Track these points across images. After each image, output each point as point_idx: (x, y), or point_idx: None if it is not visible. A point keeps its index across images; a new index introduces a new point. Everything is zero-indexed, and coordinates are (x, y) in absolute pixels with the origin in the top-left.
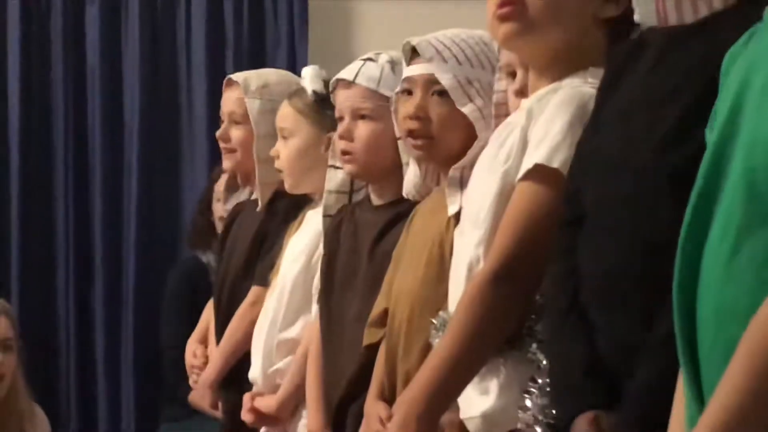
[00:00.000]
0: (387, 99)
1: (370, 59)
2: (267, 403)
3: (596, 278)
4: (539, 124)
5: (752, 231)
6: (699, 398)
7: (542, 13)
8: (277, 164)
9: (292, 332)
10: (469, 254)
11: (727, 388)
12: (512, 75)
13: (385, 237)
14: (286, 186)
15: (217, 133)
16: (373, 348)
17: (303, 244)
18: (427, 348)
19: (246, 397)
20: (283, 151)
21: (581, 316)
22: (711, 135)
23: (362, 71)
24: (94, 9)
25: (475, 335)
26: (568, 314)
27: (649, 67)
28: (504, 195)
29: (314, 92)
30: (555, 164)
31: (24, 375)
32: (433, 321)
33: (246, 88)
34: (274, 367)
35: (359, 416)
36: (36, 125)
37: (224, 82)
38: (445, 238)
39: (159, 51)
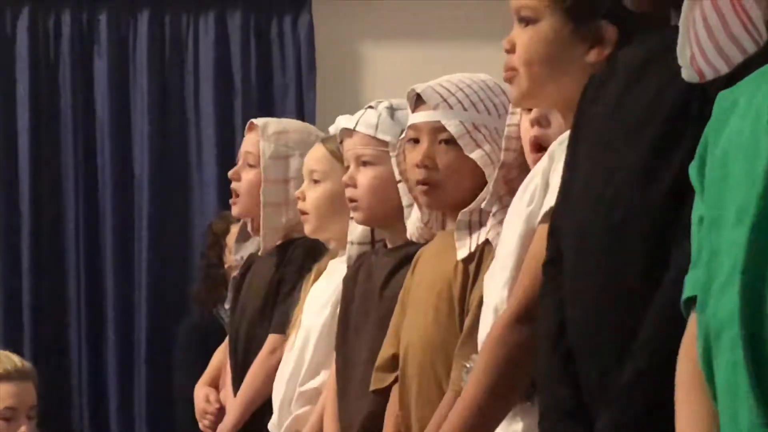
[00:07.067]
0: (386, 144)
1: (370, 107)
2: None
3: (576, 322)
4: (559, 167)
5: None
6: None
7: (530, 80)
8: (301, 206)
9: (315, 383)
10: (497, 296)
11: None
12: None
13: (392, 279)
14: (307, 229)
15: (230, 172)
16: (382, 392)
17: (326, 295)
18: (442, 392)
19: None
20: (311, 194)
21: (568, 356)
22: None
23: (362, 119)
24: (102, 62)
25: (498, 379)
26: (553, 353)
27: (619, 96)
28: (527, 237)
29: None
30: None
31: None
32: (466, 365)
33: (263, 131)
34: (294, 414)
35: None
36: (46, 178)
37: (247, 125)
38: (453, 281)
39: (167, 102)
